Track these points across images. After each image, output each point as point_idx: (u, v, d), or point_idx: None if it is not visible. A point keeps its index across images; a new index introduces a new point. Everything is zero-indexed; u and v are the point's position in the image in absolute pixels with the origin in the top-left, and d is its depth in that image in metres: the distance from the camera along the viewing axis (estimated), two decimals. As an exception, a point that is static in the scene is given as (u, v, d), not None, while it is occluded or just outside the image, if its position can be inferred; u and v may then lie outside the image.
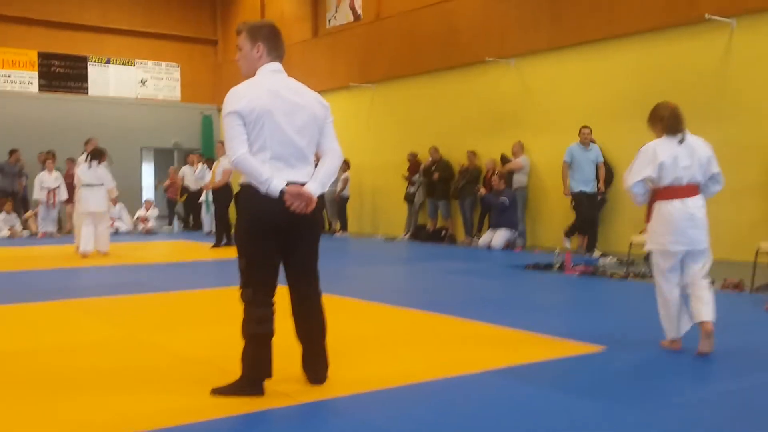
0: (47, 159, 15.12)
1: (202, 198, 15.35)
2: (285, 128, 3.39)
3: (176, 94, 19.93)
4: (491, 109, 13.19)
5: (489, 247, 11.89)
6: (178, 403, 3.42)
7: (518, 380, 3.86)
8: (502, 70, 12.97)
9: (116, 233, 15.86)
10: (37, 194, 14.77)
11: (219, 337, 4.93)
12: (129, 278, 8.39)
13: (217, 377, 3.68)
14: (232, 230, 12.29)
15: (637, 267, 8.48)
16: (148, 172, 21.13)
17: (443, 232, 13.71)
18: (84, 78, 18.59)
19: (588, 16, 11.48)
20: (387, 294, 6.91)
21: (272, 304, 3.45)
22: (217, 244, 12.39)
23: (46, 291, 7.24)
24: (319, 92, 3.73)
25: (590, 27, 11.45)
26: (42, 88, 18.01)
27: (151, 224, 16.39)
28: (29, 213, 15.78)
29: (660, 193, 4.52)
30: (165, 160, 20.86)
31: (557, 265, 8.91)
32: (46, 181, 14.77)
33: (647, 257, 9.36)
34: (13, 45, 17.57)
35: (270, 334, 3.43)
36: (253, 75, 3.53)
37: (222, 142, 12.71)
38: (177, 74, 20.00)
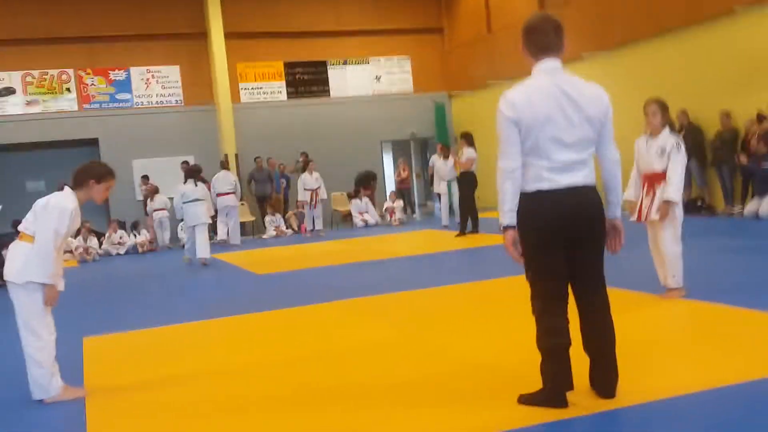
0: (307, 162, 16.21)
1: (439, 189, 15.51)
2: (558, 134, 3.32)
3: (409, 86, 20.52)
4: (744, 63, 12.00)
5: (757, 217, 10.87)
6: (480, 417, 3.50)
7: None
8: (755, 18, 11.74)
9: (366, 226, 16.77)
10: (301, 195, 15.84)
11: (498, 338, 4.99)
12: (388, 274, 8.77)
13: (510, 386, 3.75)
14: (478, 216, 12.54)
15: None
16: (387, 163, 21.98)
17: (699, 202, 12.78)
18: (325, 81, 19.78)
19: None
20: (651, 281, 6.07)
21: (565, 314, 3.38)
22: (462, 232, 12.57)
23: (320, 289, 7.76)
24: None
25: None
26: (290, 95, 19.47)
27: (398, 215, 17.05)
28: (289, 213, 17.17)
29: None
30: (403, 151, 21.58)
31: None
32: (308, 183, 15.79)
33: None
34: (263, 59, 19.14)
35: (566, 345, 3.36)
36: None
37: (465, 136, 12.92)
38: (408, 66, 20.58)
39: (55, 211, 4.33)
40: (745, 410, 3.26)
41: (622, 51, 14.65)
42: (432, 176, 15.38)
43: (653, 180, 5.69)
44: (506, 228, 3.40)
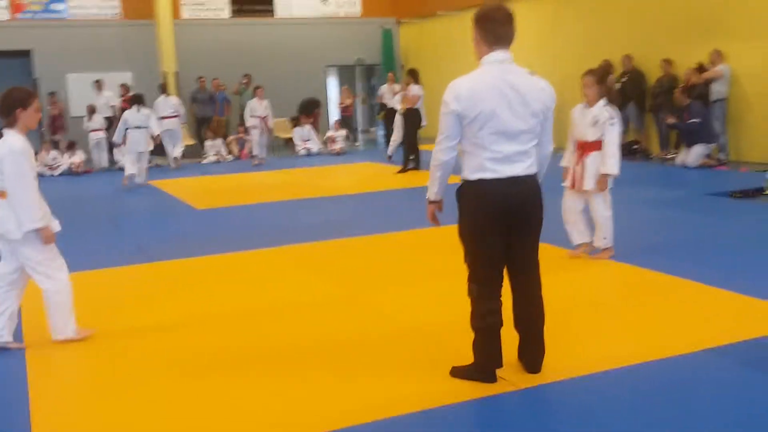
0: (257, 87, 15.52)
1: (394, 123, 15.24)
2: (503, 128, 3.39)
3: (356, 9, 20.11)
4: (694, 15, 12.16)
5: (685, 166, 11.28)
6: (411, 390, 3.63)
7: (743, 361, 3.74)
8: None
9: (308, 155, 16.65)
10: (248, 122, 15.33)
11: (436, 297, 5.08)
12: (328, 215, 8.77)
13: (445, 353, 3.91)
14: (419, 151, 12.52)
15: None
16: (332, 88, 21.66)
17: (635, 146, 13.12)
18: (270, 0, 19.18)
19: None
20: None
21: (499, 297, 3.55)
22: (403, 169, 12.62)
23: (257, 232, 7.75)
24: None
25: None
26: (234, 13, 18.85)
27: (339, 144, 16.93)
28: (230, 138, 16.86)
29: None
30: (348, 76, 21.28)
31: (770, 192, 8.27)
32: (256, 110, 15.14)
33: None
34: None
35: (497, 326, 3.55)
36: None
37: (411, 72, 12.84)
38: (356, -11, 20.13)
39: (9, 158, 4.28)
40: (662, 388, 3.50)
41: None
42: (381, 105, 15.23)
43: (584, 149, 5.85)
44: (431, 202, 3.71)
